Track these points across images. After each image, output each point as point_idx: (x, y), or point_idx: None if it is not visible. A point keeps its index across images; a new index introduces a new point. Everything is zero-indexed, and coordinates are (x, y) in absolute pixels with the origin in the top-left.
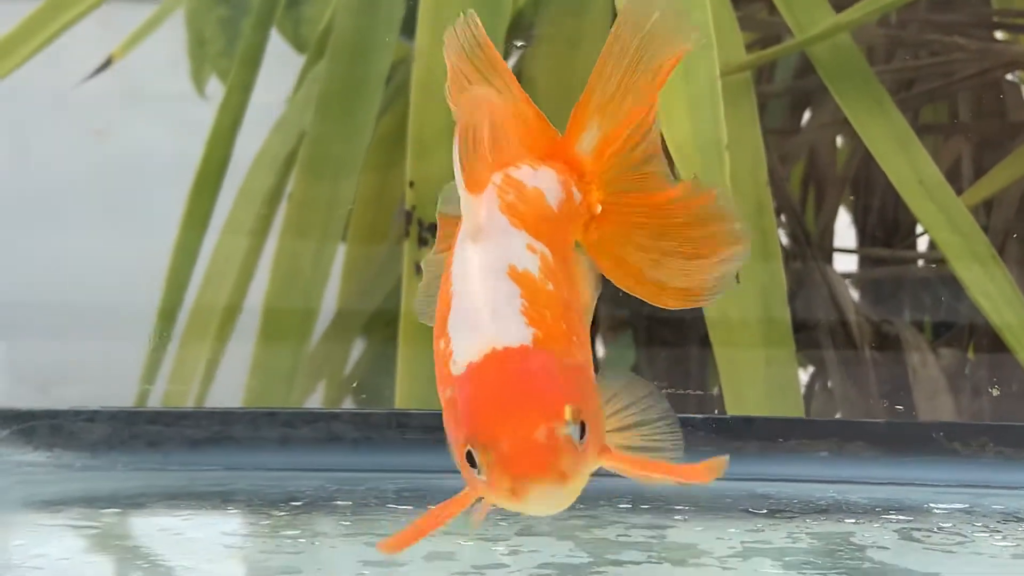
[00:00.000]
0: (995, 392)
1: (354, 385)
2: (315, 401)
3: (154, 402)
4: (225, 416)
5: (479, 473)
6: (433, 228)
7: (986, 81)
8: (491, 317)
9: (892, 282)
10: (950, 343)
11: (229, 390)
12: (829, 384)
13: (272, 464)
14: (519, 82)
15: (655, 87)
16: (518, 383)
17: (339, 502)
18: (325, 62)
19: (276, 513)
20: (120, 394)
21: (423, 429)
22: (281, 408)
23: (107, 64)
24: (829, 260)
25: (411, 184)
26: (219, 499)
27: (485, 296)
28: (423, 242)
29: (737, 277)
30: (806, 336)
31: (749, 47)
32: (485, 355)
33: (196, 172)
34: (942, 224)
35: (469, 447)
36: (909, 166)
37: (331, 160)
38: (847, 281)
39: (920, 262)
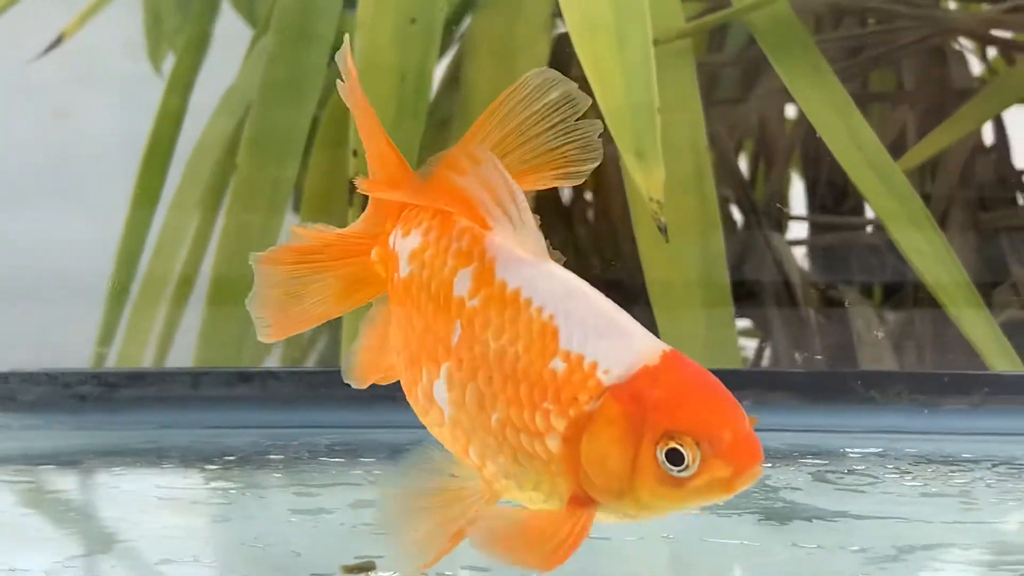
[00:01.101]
0: (879, 335)
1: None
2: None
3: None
4: (162, 376)
5: (681, 469)
6: None
7: (931, 48)
8: (628, 323)
9: (841, 247)
10: (896, 306)
11: (181, 353)
12: (775, 348)
13: (208, 422)
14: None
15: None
16: (709, 381)
17: (272, 456)
18: (270, 35)
19: (209, 467)
20: (76, 358)
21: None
22: (217, 367)
23: (59, 41)
24: (778, 227)
25: (354, 153)
26: (154, 455)
27: (607, 304)
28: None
29: (665, 236)
30: (751, 301)
31: (698, 16)
32: (658, 359)
33: (145, 149)
34: (880, 189)
35: (675, 444)
36: (848, 133)
37: (277, 134)
38: (801, 247)
39: (869, 228)
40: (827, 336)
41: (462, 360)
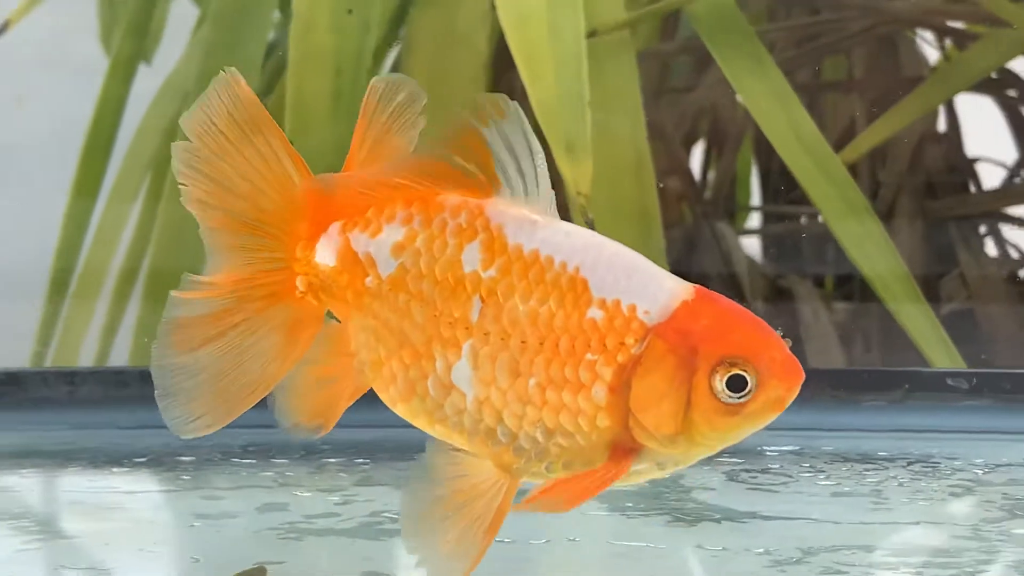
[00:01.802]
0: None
1: None
2: None
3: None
4: (73, 376)
5: (742, 395)
6: None
7: (881, 36)
8: (653, 266)
9: (793, 237)
10: (845, 297)
11: (117, 351)
12: None
13: (121, 423)
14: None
15: None
16: (744, 310)
17: (183, 458)
18: (207, 23)
19: (117, 470)
20: (14, 356)
21: None
22: (131, 367)
23: (4, 28)
24: (728, 216)
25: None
26: (63, 457)
27: (629, 251)
28: None
29: (591, 224)
30: None
31: (645, 5)
32: (692, 294)
33: (84, 139)
34: (818, 179)
35: (736, 370)
36: (787, 123)
37: None
38: (755, 238)
39: (820, 217)
40: (774, 328)
41: (488, 333)
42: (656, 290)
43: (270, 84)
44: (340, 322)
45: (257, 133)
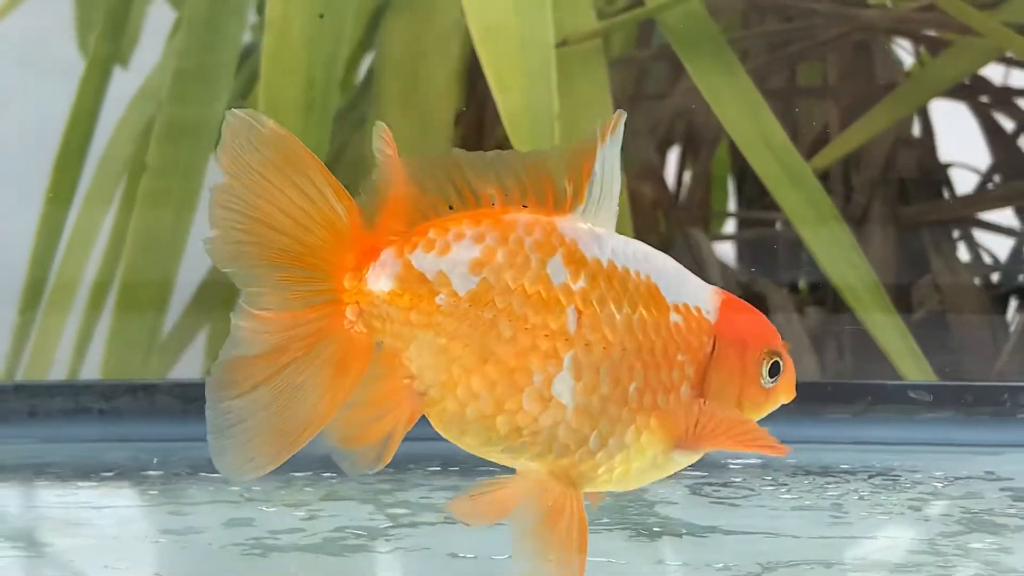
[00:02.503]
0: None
1: None
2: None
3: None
4: (39, 389)
5: (775, 379)
6: None
7: (855, 43)
8: (684, 269)
9: (767, 243)
10: (818, 303)
11: (89, 363)
12: None
13: (90, 436)
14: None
15: None
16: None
17: (151, 472)
18: (181, 27)
19: (84, 484)
20: None
21: None
22: (98, 380)
23: None
24: (702, 222)
25: None
26: (31, 472)
27: (668, 257)
28: None
29: None
30: None
31: (616, 15)
32: (727, 295)
33: (59, 144)
34: (787, 185)
35: (776, 358)
36: (756, 129)
37: (188, 130)
38: (729, 243)
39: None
40: None
41: (589, 343)
42: (702, 291)
43: (245, 88)
44: (389, 353)
45: (294, 167)
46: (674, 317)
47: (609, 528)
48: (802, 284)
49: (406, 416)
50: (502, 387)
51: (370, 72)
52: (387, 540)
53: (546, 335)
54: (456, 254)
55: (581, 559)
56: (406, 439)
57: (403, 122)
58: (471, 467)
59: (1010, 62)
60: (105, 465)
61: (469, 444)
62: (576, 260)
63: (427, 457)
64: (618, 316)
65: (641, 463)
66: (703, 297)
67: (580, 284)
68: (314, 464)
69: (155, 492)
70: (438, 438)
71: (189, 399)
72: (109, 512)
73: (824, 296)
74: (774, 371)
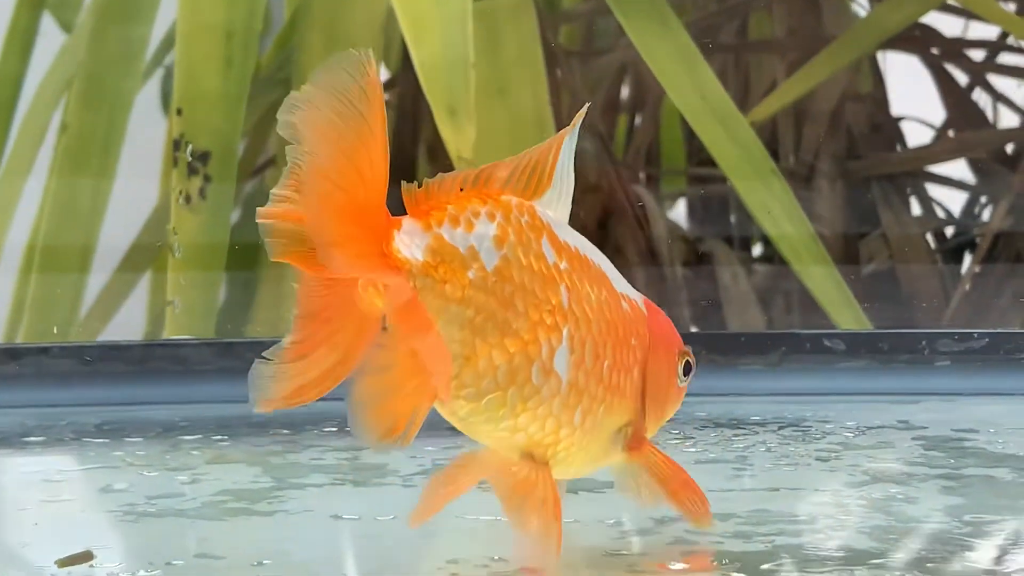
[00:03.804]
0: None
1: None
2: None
3: None
4: None
5: (687, 378)
6: (204, 156)
7: None
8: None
9: (716, 200)
10: (767, 259)
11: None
12: None
13: None
14: None
15: None
16: None
17: (32, 438)
18: None
19: None
20: None
21: (132, 361)
22: None
23: None
24: (649, 180)
25: (179, 112)
26: None
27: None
28: (192, 171)
29: None
30: (615, 258)
31: None
32: (643, 297)
33: None
34: (723, 141)
35: (688, 358)
36: (692, 85)
37: (106, 92)
38: (680, 199)
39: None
40: (694, 292)
41: (578, 318)
42: (631, 289)
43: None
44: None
45: (369, 118)
46: (623, 304)
47: None
48: (753, 239)
49: (429, 392)
50: (519, 359)
51: (290, 24)
52: (269, 503)
53: (548, 310)
54: (480, 230)
55: (558, 527)
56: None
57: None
58: None
59: (962, 13)
60: None
61: (470, 420)
62: (556, 243)
63: (325, 417)
64: (592, 296)
65: (596, 447)
66: (633, 293)
67: (564, 264)
68: (207, 427)
69: (32, 458)
70: (338, 398)
71: (79, 362)
72: None
73: (772, 252)
74: (687, 371)
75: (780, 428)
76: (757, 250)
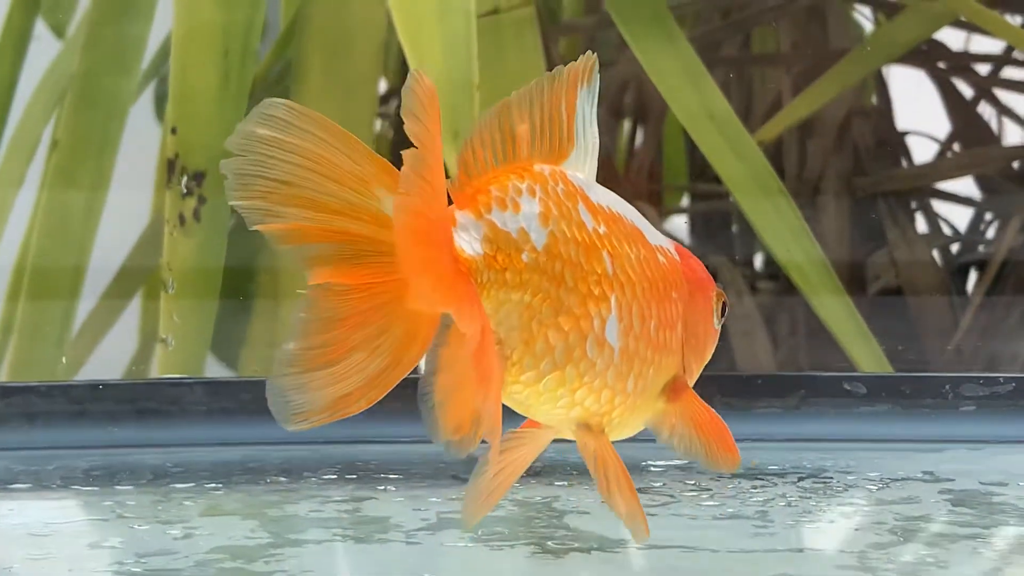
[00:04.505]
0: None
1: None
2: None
3: None
4: None
5: (723, 319)
6: (199, 177)
7: (808, 8)
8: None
9: (720, 217)
10: (771, 278)
11: None
12: None
13: None
14: None
15: None
16: None
17: (18, 485)
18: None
19: None
20: None
21: (121, 400)
22: None
23: None
24: (653, 196)
25: (173, 131)
26: None
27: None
28: (188, 192)
29: None
30: None
31: None
32: (675, 242)
33: None
34: (729, 158)
35: (723, 300)
36: (699, 101)
37: (100, 103)
38: (683, 217)
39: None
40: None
41: (623, 284)
42: (663, 238)
43: (159, 58)
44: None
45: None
46: (660, 258)
47: (511, 544)
48: (757, 258)
49: (497, 384)
50: (573, 336)
51: (290, 38)
52: (266, 562)
53: (595, 280)
54: (526, 209)
55: (636, 496)
56: (304, 443)
57: (326, 91)
58: (370, 473)
59: (968, 27)
60: None
61: (528, 403)
62: (592, 207)
63: (325, 464)
64: (632, 256)
65: (646, 406)
66: (666, 243)
67: (603, 229)
68: (199, 474)
69: (13, 507)
70: (337, 441)
71: (70, 401)
72: None
73: (777, 270)
74: (723, 312)
75: (800, 479)
76: (764, 268)
